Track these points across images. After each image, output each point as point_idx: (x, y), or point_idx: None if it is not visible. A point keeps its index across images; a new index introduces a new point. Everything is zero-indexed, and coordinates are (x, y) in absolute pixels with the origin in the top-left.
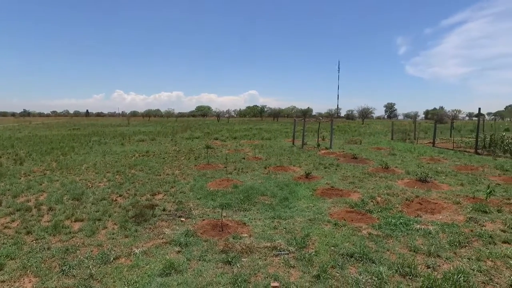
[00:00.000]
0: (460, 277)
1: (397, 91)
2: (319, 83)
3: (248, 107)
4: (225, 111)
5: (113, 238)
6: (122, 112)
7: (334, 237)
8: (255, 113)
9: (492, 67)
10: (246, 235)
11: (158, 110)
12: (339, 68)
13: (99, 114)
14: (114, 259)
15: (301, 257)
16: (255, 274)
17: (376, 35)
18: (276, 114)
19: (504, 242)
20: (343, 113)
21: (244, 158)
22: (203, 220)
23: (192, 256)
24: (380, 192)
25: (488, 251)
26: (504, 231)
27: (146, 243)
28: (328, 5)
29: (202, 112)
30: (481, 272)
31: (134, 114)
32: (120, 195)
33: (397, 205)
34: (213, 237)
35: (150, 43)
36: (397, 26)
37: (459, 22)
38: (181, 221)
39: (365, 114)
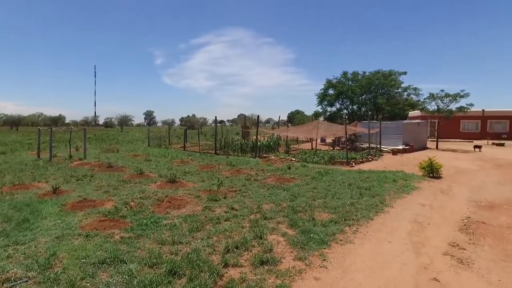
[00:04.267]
0: (194, 254)
1: (156, 99)
2: (74, 88)
3: None
4: None
5: None
6: None
7: (85, 249)
8: None
9: (229, 83)
10: None
11: None
12: (95, 73)
13: None
14: None
15: (45, 279)
16: None
17: (134, 45)
18: (16, 123)
19: (226, 220)
20: (101, 120)
21: None
22: None
23: None
24: (134, 197)
25: (214, 229)
26: (226, 212)
27: None
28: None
29: None
30: (209, 246)
31: None
32: None
33: (150, 206)
34: None
35: None
36: (154, 38)
37: (205, 43)
38: None
39: (124, 121)
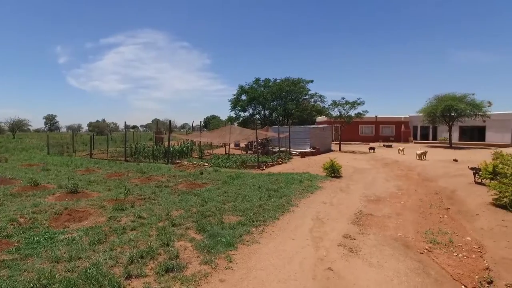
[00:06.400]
0: (93, 269)
1: (60, 102)
2: None
3: None
4: None
5: None
6: None
7: None
8: None
9: (144, 86)
10: None
11: None
12: None
13: None
14: None
15: None
16: None
17: (31, 40)
18: None
19: (132, 229)
20: None
21: None
22: None
23: None
24: (24, 212)
25: (119, 240)
26: (133, 221)
27: None
28: None
29: None
30: (111, 259)
31: None
32: None
33: (44, 222)
34: None
35: None
36: (57, 33)
37: (116, 44)
38: None
39: (17, 126)
